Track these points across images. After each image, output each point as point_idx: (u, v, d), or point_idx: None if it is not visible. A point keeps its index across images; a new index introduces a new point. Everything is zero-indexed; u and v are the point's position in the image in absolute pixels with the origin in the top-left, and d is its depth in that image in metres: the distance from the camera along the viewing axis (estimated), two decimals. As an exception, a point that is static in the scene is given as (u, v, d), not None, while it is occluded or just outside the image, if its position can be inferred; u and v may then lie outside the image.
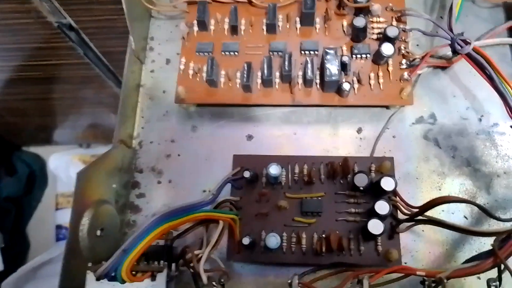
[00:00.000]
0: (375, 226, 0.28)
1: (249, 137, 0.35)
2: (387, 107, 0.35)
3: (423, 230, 0.32)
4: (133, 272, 0.24)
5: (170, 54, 0.38)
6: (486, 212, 0.27)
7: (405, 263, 0.31)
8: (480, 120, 0.35)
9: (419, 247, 0.31)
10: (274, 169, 0.30)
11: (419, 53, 0.34)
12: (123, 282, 0.23)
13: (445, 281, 0.24)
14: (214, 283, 0.25)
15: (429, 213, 0.29)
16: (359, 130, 0.35)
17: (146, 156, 0.36)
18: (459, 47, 0.32)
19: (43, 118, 1.01)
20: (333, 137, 0.35)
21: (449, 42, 0.32)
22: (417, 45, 0.37)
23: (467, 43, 0.32)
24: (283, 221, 0.31)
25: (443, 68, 0.36)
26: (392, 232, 0.30)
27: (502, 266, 0.26)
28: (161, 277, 0.24)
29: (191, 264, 0.26)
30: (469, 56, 0.32)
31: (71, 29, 0.69)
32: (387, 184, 0.29)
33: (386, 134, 0.35)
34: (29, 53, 0.72)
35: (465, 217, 0.32)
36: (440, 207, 0.32)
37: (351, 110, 0.36)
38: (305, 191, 0.31)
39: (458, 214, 0.32)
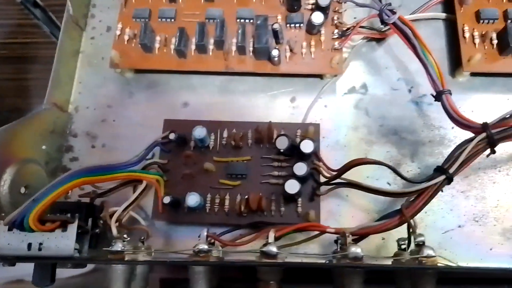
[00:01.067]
0: (291, 186, 0.28)
1: (185, 104, 0.36)
2: (321, 77, 0.36)
3: (347, 195, 0.33)
4: (44, 222, 0.24)
5: (112, 21, 0.38)
6: (397, 173, 0.28)
7: (329, 225, 0.32)
8: (410, 91, 0.35)
9: (343, 211, 0.32)
10: (198, 132, 0.30)
11: (351, 24, 0.35)
12: (31, 230, 0.23)
13: (348, 235, 0.25)
14: (125, 235, 0.26)
15: (355, 178, 0.30)
16: (292, 99, 0.36)
17: (82, 121, 0.36)
18: (386, 17, 0.32)
19: (16, 100, 1.00)
20: (267, 105, 0.35)
21: (378, 12, 0.33)
22: (355, 18, 0.37)
23: (393, 13, 0.32)
24: (209, 183, 0.31)
25: (379, 40, 0.37)
26: (312, 194, 0.30)
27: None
28: (72, 228, 0.25)
29: (104, 219, 0.26)
30: (395, 26, 0.32)
31: (36, 6, 0.68)
32: (306, 146, 0.29)
33: (319, 103, 0.35)
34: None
35: (388, 183, 0.33)
36: (365, 173, 0.33)
37: (287, 80, 0.36)
38: (232, 155, 0.32)
39: (382, 180, 0.33)
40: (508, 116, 0.28)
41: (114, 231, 0.26)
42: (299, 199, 0.30)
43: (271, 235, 0.25)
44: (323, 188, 0.30)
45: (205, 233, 0.26)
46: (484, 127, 0.28)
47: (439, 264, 0.25)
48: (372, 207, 0.32)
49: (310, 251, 0.30)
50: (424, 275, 0.25)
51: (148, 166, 0.31)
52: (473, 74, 0.35)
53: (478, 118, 0.29)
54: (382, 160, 0.33)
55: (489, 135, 0.27)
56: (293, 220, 0.30)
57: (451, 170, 0.27)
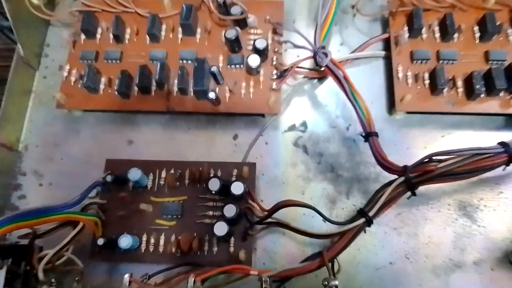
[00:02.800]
0: (220, 228, 0.29)
1: (129, 142, 0.37)
2: (263, 115, 0.37)
3: (284, 233, 0.33)
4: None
5: (64, 60, 0.40)
6: (320, 214, 0.29)
7: (264, 263, 0.33)
8: (348, 128, 0.36)
9: (278, 249, 0.33)
10: (133, 174, 0.31)
11: (290, 65, 0.36)
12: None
13: (264, 279, 0.26)
14: (52, 280, 0.27)
15: (291, 216, 0.31)
16: (235, 137, 0.37)
17: (30, 159, 0.37)
18: (320, 59, 0.34)
19: None
20: (209, 143, 0.37)
21: (311, 55, 0.34)
22: (298, 56, 0.38)
23: (326, 55, 0.33)
24: (145, 223, 0.32)
25: (320, 78, 0.38)
26: (245, 234, 0.31)
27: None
28: (1, 273, 0.26)
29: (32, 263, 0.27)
30: (328, 68, 0.33)
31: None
32: (236, 188, 0.30)
33: (260, 140, 0.36)
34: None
35: (324, 221, 0.34)
36: (301, 211, 0.34)
37: (230, 118, 0.37)
38: (170, 195, 0.33)
39: (317, 217, 0.34)
40: (426, 160, 0.29)
41: (40, 275, 0.27)
42: (232, 239, 0.31)
43: (191, 281, 0.26)
44: (256, 228, 0.31)
45: (128, 278, 0.26)
46: (403, 171, 0.29)
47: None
48: (307, 245, 0.33)
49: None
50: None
51: (88, 206, 0.32)
52: (409, 112, 0.36)
53: (413, 155, 0.30)
54: (319, 197, 0.34)
55: (407, 179, 0.28)
56: (225, 260, 0.31)
57: (371, 213, 0.28)
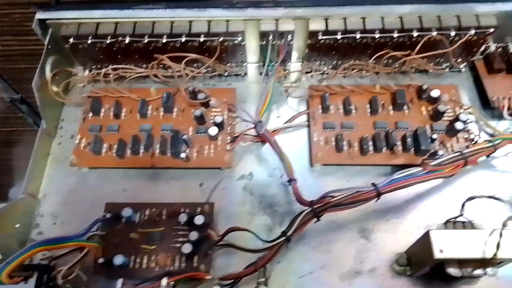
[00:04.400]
0: (186, 248, 0.42)
1: (124, 190, 0.50)
2: (220, 168, 0.51)
3: (235, 252, 0.46)
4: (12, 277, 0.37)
5: (75, 131, 0.54)
6: (255, 235, 0.42)
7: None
8: (281, 176, 0.51)
9: (233, 265, 0.45)
10: (125, 212, 0.44)
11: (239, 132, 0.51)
12: (2, 283, 0.36)
13: (215, 282, 0.38)
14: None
15: (243, 239, 0.44)
16: (201, 184, 0.51)
17: (48, 205, 0.49)
18: (258, 129, 0.49)
19: (1, 177, 1.12)
20: (183, 189, 0.50)
21: (253, 126, 0.50)
22: (246, 126, 0.54)
23: (262, 127, 0.49)
24: (134, 247, 0.45)
25: (262, 142, 0.53)
26: (205, 253, 0.44)
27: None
28: (31, 281, 0.37)
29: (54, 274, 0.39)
30: (264, 136, 0.49)
31: (23, 102, 0.85)
32: (198, 220, 0.44)
33: (219, 186, 0.50)
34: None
35: (260, 240, 0.47)
36: (249, 235, 0.46)
37: (197, 171, 0.51)
38: (152, 227, 0.46)
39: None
40: (325, 196, 0.43)
41: (60, 281, 0.38)
42: (195, 257, 0.44)
43: (164, 281, 0.38)
44: (213, 248, 0.44)
45: (121, 282, 0.38)
46: (310, 203, 0.43)
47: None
48: (252, 258, 0.45)
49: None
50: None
51: (92, 236, 0.45)
52: (324, 164, 0.51)
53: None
54: (262, 227, 0.48)
55: (313, 209, 0.42)
56: (191, 271, 0.43)
57: (289, 233, 0.41)
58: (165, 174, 0.51)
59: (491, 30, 0.50)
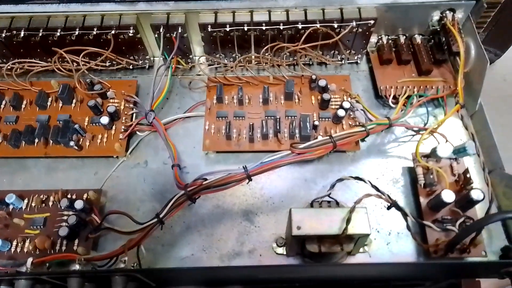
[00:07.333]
0: (63, 231, 0.44)
1: (20, 179, 0.52)
2: (117, 157, 0.53)
3: (118, 235, 0.48)
4: None
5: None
6: (131, 218, 0.44)
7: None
8: (173, 166, 0.53)
9: (113, 244, 0.47)
10: (8, 198, 0.46)
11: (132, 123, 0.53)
12: None
13: (78, 261, 0.40)
14: None
15: (127, 223, 0.45)
16: (96, 173, 0.52)
17: None
18: (148, 118, 0.51)
19: None
20: (78, 177, 0.52)
21: (144, 116, 0.51)
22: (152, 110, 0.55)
23: (151, 115, 0.51)
24: (17, 232, 0.46)
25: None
26: (86, 236, 0.45)
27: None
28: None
29: None
30: (153, 124, 0.51)
31: None
32: (77, 204, 0.45)
33: (113, 175, 0.52)
34: None
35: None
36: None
37: (93, 160, 0.53)
38: (39, 213, 0.47)
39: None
40: (198, 178, 0.44)
41: None
42: (76, 240, 0.45)
43: (29, 261, 0.39)
44: (93, 232, 0.46)
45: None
46: (185, 187, 0.44)
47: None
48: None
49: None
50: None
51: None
52: (218, 152, 0.53)
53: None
54: (148, 211, 0.49)
55: (186, 192, 0.44)
56: (70, 253, 0.45)
57: (161, 215, 0.43)
58: (62, 164, 0.53)
59: (372, 22, 0.52)
